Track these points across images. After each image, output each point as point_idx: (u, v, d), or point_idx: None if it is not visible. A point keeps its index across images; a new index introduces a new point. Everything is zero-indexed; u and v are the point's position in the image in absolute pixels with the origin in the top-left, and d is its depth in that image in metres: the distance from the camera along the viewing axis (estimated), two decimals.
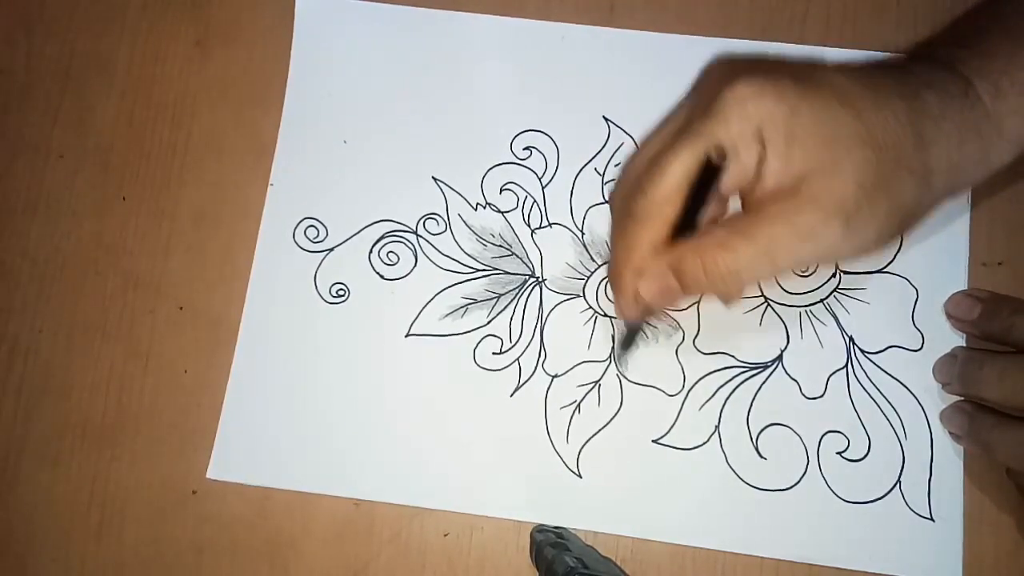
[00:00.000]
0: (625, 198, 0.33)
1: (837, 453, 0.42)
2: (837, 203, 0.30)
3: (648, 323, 0.37)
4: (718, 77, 0.31)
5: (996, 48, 0.33)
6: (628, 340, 0.39)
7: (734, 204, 0.33)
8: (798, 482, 0.42)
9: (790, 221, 0.30)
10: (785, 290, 0.44)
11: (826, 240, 0.30)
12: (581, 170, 0.46)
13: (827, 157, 0.30)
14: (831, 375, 0.43)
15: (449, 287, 0.45)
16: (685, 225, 0.32)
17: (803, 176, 0.30)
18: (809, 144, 0.30)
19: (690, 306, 0.44)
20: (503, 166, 0.46)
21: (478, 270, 0.45)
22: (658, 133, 0.34)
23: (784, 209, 0.30)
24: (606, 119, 0.47)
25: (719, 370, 0.43)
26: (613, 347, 0.44)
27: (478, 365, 0.44)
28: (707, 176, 0.30)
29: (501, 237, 0.46)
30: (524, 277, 0.45)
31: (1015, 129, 0.33)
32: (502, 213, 0.46)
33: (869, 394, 0.43)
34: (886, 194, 0.31)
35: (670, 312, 0.44)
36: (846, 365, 0.43)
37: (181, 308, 0.46)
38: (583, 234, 0.46)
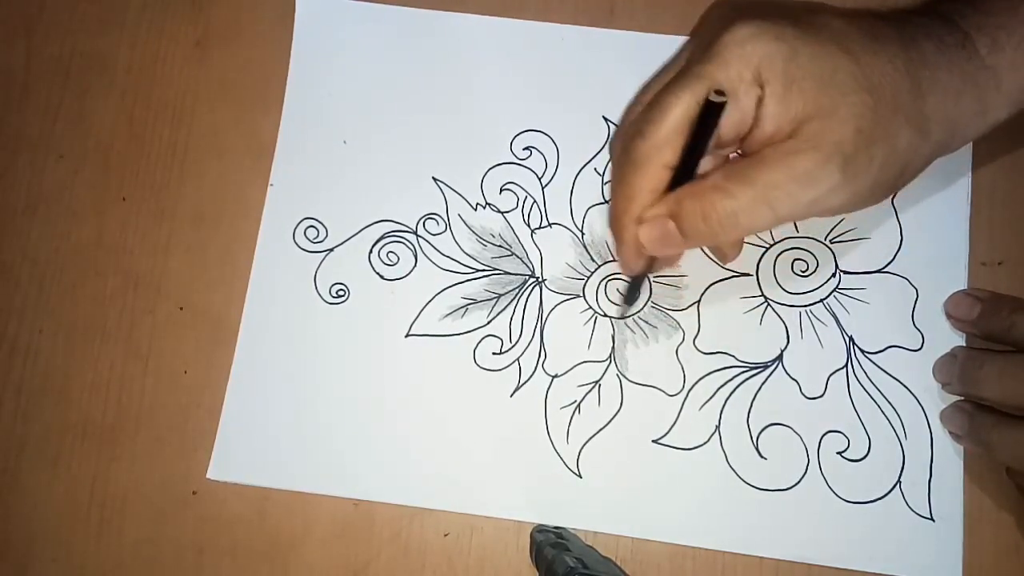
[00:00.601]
0: (624, 143, 0.32)
1: (837, 453, 0.42)
2: (835, 146, 0.30)
3: (650, 274, 0.37)
4: (717, 20, 0.32)
5: (995, 2, 0.33)
6: (631, 292, 0.38)
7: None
8: (798, 482, 0.42)
9: (788, 164, 0.30)
10: (785, 290, 0.44)
11: (824, 185, 0.30)
12: (581, 170, 0.46)
13: (825, 100, 0.30)
14: (831, 375, 0.43)
15: (449, 287, 0.45)
16: (684, 176, 0.32)
17: (801, 120, 0.30)
18: (807, 87, 0.30)
19: (690, 306, 0.44)
20: (503, 166, 0.46)
21: (478, 270, 0.45)
22: (658, 79, 0.34)
23: (782, 153, 0.30)
24: (606, 119, 0.47)
25: (719, 370, 0.43)
26: (620, 299, 0.43)
27: (478, 365, 0.44)
28: (705, 123, 0.30)
29: (501, 237, 0.46)
30: (524, 277, 0.45)
31: (1012, 84, 0.33)
32: (502, 213, 0.46)
33: (869, 394, 0.43)
34: (883, 140, 0.31)
35: (671, 311, 0.44)
36: (846, 365, 0.43)
37: (181, 308, 0.46)
38: (583, 234, 0.46)
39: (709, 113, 0.30)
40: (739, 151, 0.33)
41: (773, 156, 0.30)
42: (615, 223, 0.34)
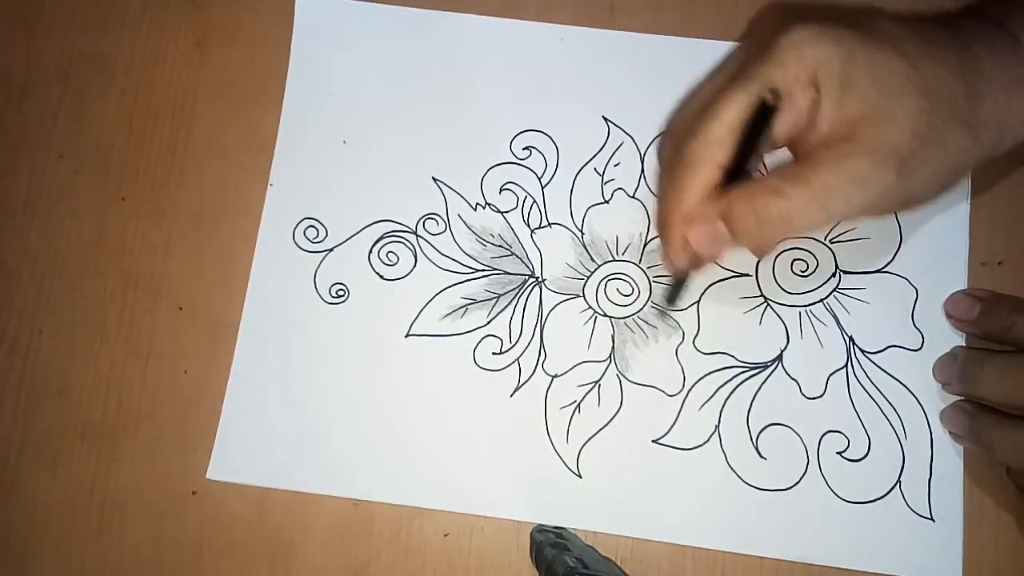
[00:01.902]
0: (676, 142, 0.33)
1: (837, 453, 0.42)
2: (891, 149, 0.30)
3: (693, 273, 0.37)
4: (772, 23, 0.32)
5: None
6: (674, 292, 0.38)
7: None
8: (798, 482, 0.42)
9: (843, 166, 0.30)
10: (785, 290, 0.44)
11: (879, 186, 0.30)
12: (581, 170, 0.46)
13: (881, 104, 0.30)
14: (831, 375, 0.43)
15: (449, 287, 0.45)
16: (735, 177, 0.32)
17: (856, 122, 0.31)
18: (863, 90, 0.30)
19: (690, 306, 0.44)
20: (503, 166, 0.46)
21: (478, 270, 0.45)
22: (710, 81, 0.34)
23: (837, 154, 0.31)
24: (606, 119, 0.47)
25: (719, 370, 0.43)
26: (660, 297, 0.42)
27: (478, 365, 0.44)
28: (759, 123, 0.30)
29: (501, 237, 0.46)
30: (524, 277, 0.45)
31: None
32: (502, 213, 0.46)
33: (869, 394, 0.43)
34: (938, 143, 0.31)
35: (671, 311, 0.44)
36: (846, 365, 0.43)
37: (181, 308, 0.46)
38: (583, 234, 0.46)
39: (763, 114, 0.30)
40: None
41: (828, 157, 0.31)
42: (664, 221, 0.34)
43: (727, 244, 0.32)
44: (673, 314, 0.44)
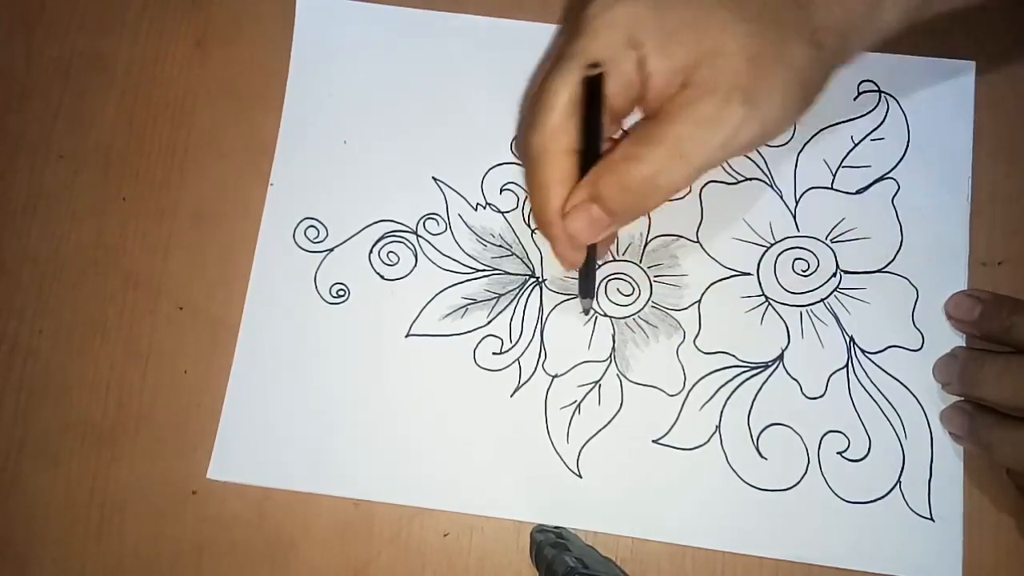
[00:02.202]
0: (520, 141, 0.33)
1: (837, 453, 0.42)
2: (731, 83, 0.30)
3: (598, 260, 0.36)
4: None
5: None
6: (586, 285, 0.38)
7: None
8: (798, 482, 0.42)
9: (690, 113, 0.30)
10: (786, 289, 0.44)
11: (730, 123, 0.30)
12: None
13: (707, 42, 0.30)
14: (831, 375, 0.43)
15: (449, 287, 0.45)
16: (591, 157, 0.31)
17: (689, 67, 0.30)
18: (685, 35, 0.30)
19: (691, 305, 0.44)
20: (503, 166, 0.46)
21: (478, 270, 0.45)
22: (541, 70, 0.34)
23: (681, 104, 0.30)
24: None
25: (719, 370, 0.43)
26: (579, 288, 0.42)
27: (478, 365, 0.44)
28: (592, 99, 0.30)
29: (501, 237, 0.46)
30: (524, 277, 0.45)
31: None
32: (502, 213, 0.46)
33: (869, 394, 0.43)
34: (778, 62, 0.30)
35: (671, 311, 0.44)
36: (846, 365, 0.43)
37: (181, 308, 0.46)
38: None
39: (592, 88, 0.30)
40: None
41: (673, 109, 0.30)
42: (539, 222, 0.34)
43: (608, 225, 0.32)
44: (673, 313, 0.44)
